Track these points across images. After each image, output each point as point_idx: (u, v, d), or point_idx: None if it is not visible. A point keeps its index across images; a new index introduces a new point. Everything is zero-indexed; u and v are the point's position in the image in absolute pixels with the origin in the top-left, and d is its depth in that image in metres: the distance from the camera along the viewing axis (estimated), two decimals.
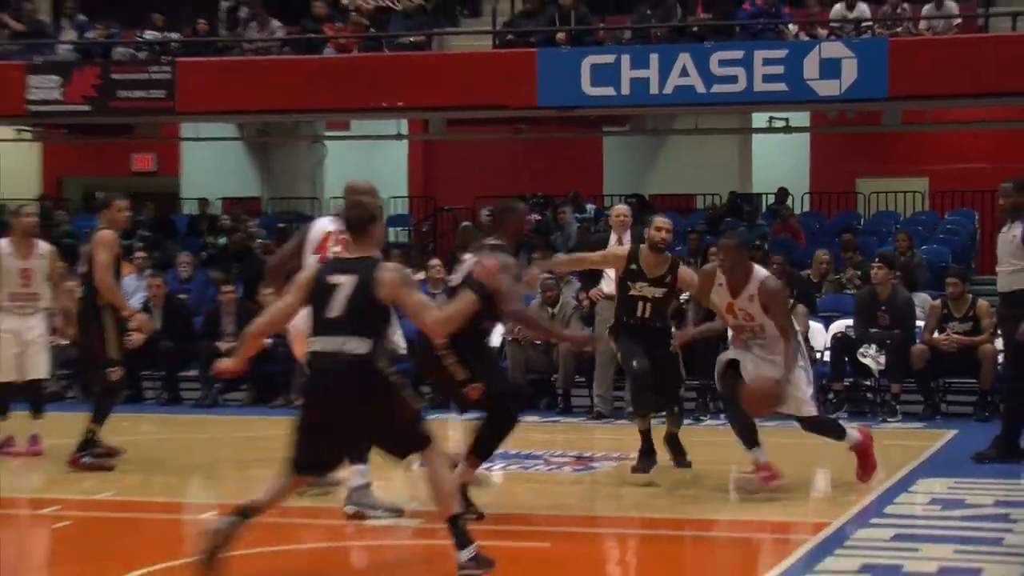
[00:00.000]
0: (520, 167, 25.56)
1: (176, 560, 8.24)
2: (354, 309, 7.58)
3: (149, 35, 22.36)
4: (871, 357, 15.94)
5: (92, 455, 11.74)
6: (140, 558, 8.40)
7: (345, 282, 7.51)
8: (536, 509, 10.17)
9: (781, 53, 19.11)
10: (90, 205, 25.92)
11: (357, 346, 7.60)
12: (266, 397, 17.36)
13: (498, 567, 7.55)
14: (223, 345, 17.11)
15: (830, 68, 18.72)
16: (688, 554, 9.23)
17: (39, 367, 13.13)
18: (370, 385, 7.46)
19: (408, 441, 7.70)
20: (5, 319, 13.07)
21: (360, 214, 7.86)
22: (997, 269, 12.29)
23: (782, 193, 23.03)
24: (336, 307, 7.61)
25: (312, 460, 7.88)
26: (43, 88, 21.42)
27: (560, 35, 20.07)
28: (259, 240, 21.70)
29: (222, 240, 22.43)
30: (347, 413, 7.80)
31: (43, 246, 13.35)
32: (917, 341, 15.92)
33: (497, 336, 16.00)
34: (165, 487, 11.35)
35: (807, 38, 19.70)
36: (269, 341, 16.16)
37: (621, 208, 15.47)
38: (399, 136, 24.61)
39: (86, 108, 21.58)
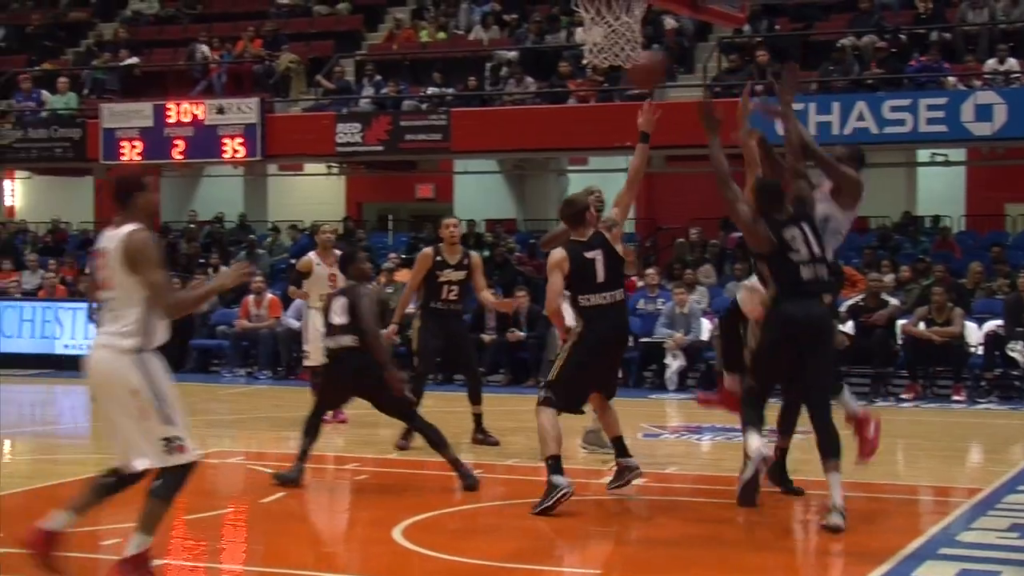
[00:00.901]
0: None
1: (449, 508, 9.09)
2: (609, 271, 9.12)
3: (430, 90, 23.52)
4: (1018, 352, 16.82)
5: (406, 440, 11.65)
6: (422, 506, 9.07)
7: (597, 255, 9.07)
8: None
9: (942, 100, 19.81)
10: (383, 225, 28.03)
11: (620, 294, 9.21)
12: (520, 379, 18.46)
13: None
14: (486, 337, 18.52)
15: (984, 112, 19.40)
16: (863, 511, 8.90)
17: None
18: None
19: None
20: (318, 316, 13.62)
21: (570, 210, 9.29)
22: None
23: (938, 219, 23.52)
24: (600, 273, 9.10)
25: (578, 397, 9.27)
26: (348, 133, 22.59)
27: (758, 87, 20.47)
28: (515, 253, 22.71)
29: (486, 253, 22.41)
30: (616, 350, 9.42)
31: (339, 254, 13.79)
32: None
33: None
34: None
35: (964, 88, 20.26)
36: (522, 334, 18.55)
37: None
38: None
39: (380, 148, 22.67)
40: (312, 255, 14.09)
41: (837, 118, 20.06)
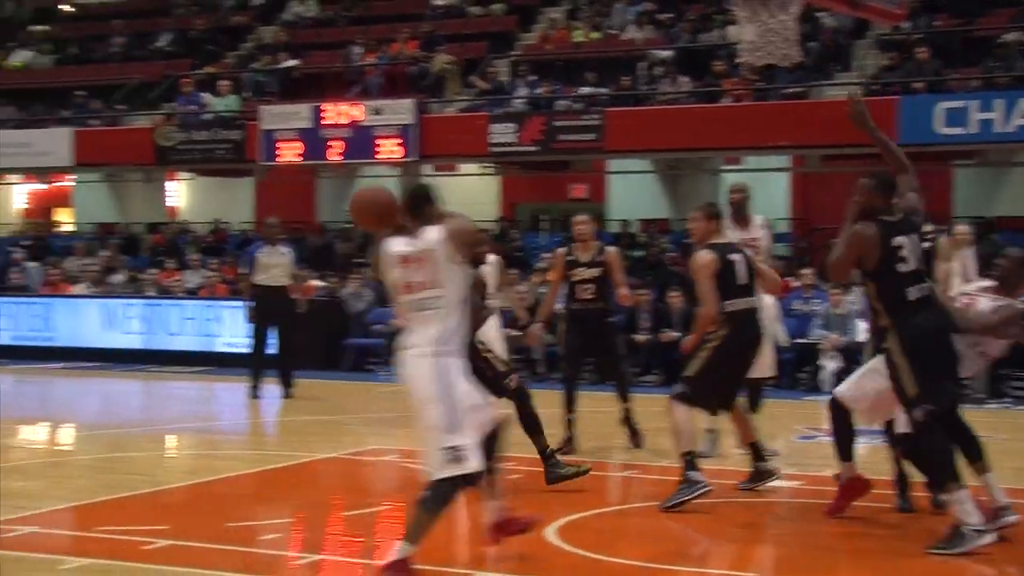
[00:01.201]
0: None
1: (603, 508, 9.16)
2: (749, 276, 9.37)
3: (584, 90, 23.51)
4: None
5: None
6: (576, 506, 9.14)
7: (738, 258, 9.31)
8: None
9: None
10: (536, 225, 27.82)
11: (757, 302, 9.42)
12: (673, 379, 18.85)
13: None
14: (639, 337, 18.59)
15: None
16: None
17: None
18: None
19: None
20: None
21: (711, 209, 9.47)
22: None
23: None
24: (741, 276, 9.32)
25: (713, 398, 9.45)
26: (502, 134, 22.64)
27: (918, 84, 20.67)
28: (669, 253, 22.63)
29: (639, 253, 23.11)
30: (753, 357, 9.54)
31: (491, 257, 15.30)
32: None
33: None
34: (591, 451, 11.68)
35: None
36: (675, 334, 18.47)
37: None
38: (782, 169, 24.82)
39: (534, 148, 22.69)
40: None
41: (1000, 115, 19.78)
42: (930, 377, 7.83)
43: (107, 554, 7.87)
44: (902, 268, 7.90)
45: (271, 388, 16.85)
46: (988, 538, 7.74)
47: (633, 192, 26.87)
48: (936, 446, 7.84)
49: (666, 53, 23.79)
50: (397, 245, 6.99)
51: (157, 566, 7.58)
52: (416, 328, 6.94)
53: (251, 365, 16.86)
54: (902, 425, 8.01)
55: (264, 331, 16.84)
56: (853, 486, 8.74)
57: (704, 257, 9.22)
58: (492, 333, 13.03)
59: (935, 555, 7.67)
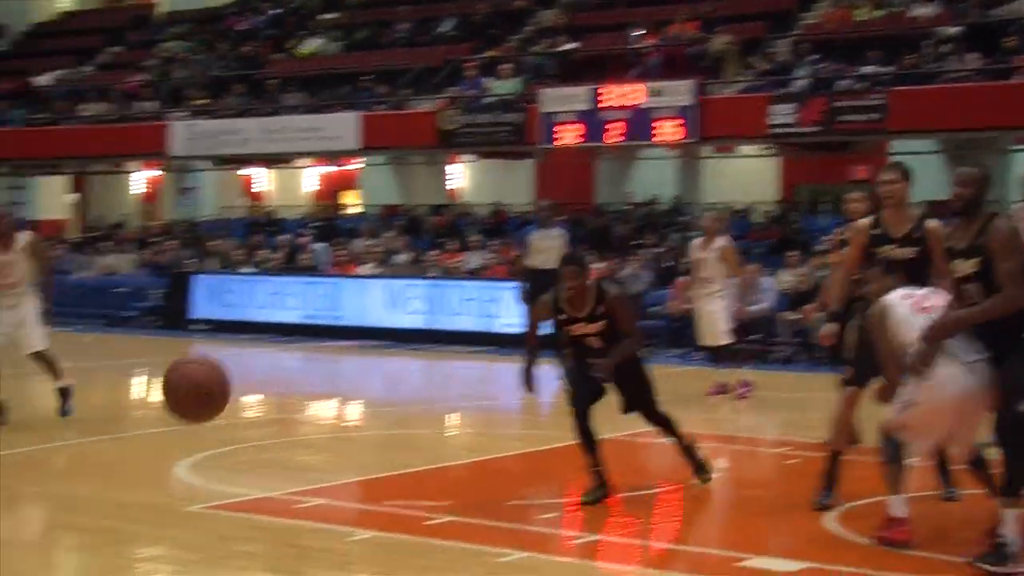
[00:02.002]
0: None
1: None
2: None
3: (866, 69, 23.01)
4: None
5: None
6: (858, 493, 8.78)
7: None
8: None
9: None
10: (816, 207, 27.28)
11: None
12: None
13: None
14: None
15: None
16: None
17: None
18: None
19: None
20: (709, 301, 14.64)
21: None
22: None
23: None
24: None
25: None
26: (782, 115, 22.44)
27: None
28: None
29: None
30: None
31: (720, 240, 14.69)
32: None
33: None
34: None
35: None
36: None
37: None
38: None
39: (815, 129, 22.45)
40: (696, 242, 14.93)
41: None
42: None
43: (392, 528, 8.18)
44: None
45: (546, 369, 16.92)
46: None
47: (917, 173, 25.96)
48: None
49: (954, 30, 23.18)
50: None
51: (439, 541, 7.81)
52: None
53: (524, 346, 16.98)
54: None
55: None
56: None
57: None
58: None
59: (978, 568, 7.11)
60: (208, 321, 24.88)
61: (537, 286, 16.66)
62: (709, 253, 14.71)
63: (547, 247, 16.52)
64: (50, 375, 12.85)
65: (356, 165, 32.49)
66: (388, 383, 19.04)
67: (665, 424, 9.56)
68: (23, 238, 12.62)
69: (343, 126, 27.05)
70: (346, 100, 28.26)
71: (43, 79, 34.42)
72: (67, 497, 9.43)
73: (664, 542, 8.45)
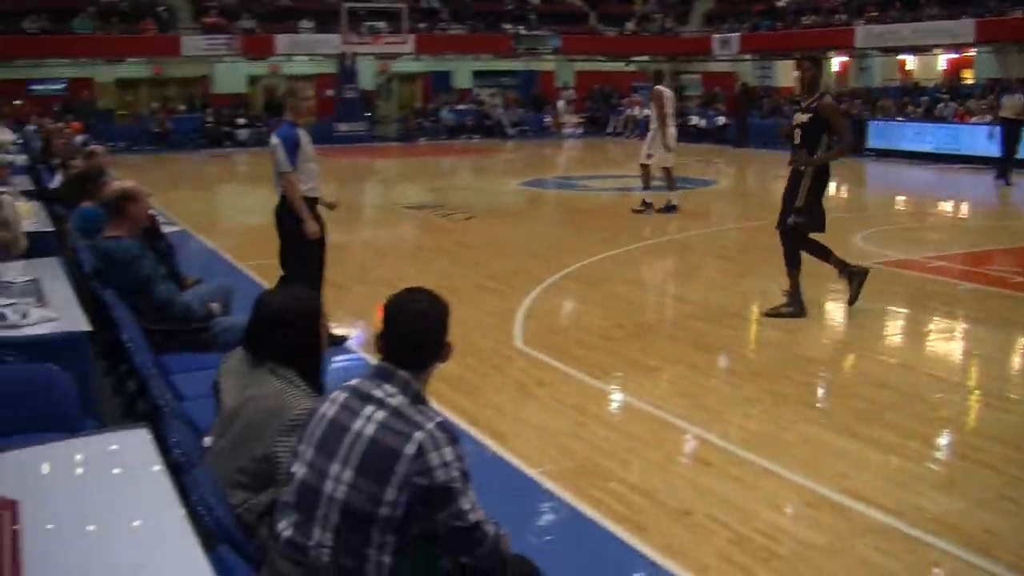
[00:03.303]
0: None
1: None
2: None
3: None
4: None
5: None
6: None
7: None
8: None
9: None
10: None
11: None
12: None
13: None
14: None
15: None
16: None
17: None
18: None
19: None
20: None
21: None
22: None
23: None
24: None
25: None
26: None
27: None
28: None
29: None
30: None
31: None
32: None
33: None
34: None
35: None
36: None
37: None
38: None
39: None
40: None
41: None
42: None
43: None
44: None
45: None
46: None
47: None
48: None
49: None
50: None
51: None
52: None
53: None
54: None
55: None
56: None
57: None
58: None
59: None
60: (875, 150, 31.33)
61: None
62: None
63: None
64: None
65: (969, 54, 38.65)
66: None
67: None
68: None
69: (963, 29, 34.12)
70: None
71: None
72: None
73: None
